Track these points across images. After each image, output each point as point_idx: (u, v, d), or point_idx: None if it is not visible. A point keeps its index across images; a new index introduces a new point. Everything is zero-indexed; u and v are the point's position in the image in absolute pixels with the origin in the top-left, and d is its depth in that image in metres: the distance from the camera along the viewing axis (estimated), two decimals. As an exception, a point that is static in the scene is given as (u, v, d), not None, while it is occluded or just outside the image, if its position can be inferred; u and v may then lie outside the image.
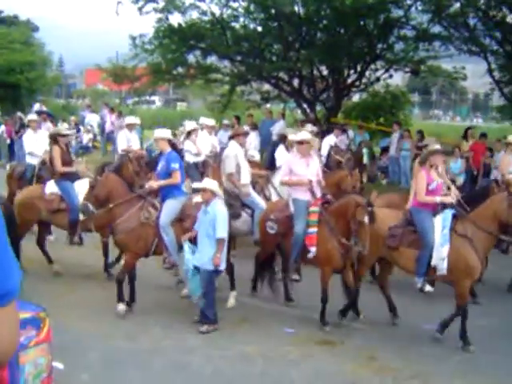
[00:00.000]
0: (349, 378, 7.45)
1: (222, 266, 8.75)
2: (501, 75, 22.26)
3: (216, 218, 8.55)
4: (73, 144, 25.79)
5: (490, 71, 20.83)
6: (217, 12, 21.86)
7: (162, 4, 21.28)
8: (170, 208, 9.31)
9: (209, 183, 8.89)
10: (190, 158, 14.08)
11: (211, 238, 8.57)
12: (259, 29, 23.23)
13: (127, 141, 14.96)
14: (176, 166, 9.48)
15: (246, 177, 11.00)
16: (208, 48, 22.58)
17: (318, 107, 24.35)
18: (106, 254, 11.15)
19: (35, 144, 13.69)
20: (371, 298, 9.43)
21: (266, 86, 26.00)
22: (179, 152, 10.58)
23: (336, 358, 7.96)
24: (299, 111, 25.76)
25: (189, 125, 14.73)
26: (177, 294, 9.95)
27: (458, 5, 19.42)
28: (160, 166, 9.75)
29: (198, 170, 13.91)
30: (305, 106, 23.78)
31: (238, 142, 11.01)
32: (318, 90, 23.94)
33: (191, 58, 23.64)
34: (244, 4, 21.62)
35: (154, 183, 9.63)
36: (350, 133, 22.58)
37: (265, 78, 23.55)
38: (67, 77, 61.32)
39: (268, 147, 20.06)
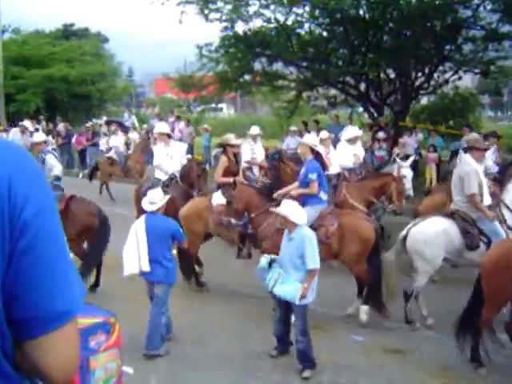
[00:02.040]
0: (419, 388, 7.32)
1: (311, 298, 7.63)
2: None
3: (304, 246, 7.44)
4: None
5: None
6: (281, 19, 21.89)
7: (226, 13, 21.41)
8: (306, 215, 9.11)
9: (285, 208, 7.71)
10: None
11: (299, 270, 7.50)
12: (324, 34, 23.16)
13: (251, 152, 14.63)
14: (313, 176, 9.28)
15: (487, 198, 9.23)
16: (274, 55, 22.64)
17: (386, 111, 24.09)
18: None
19: (165, 158, 12.68)
20: (442, 303, 9.21)
21: (333, 91, 25.88)
22: (321, 160, 9.93)
23: (406, 367, 7.82)
24: (366, 115, 25.56)
25: (322, 133, 13.58)
26: (245, 303, 9.99)
27: (528, 3, 18.90)
28: (301, 173, 9.66)
29: (330, 184, 12.20)
30: (372, 110, 23.57)
31: (473, 157, 9.20)
32: (385, 94, 23.68)
33: (257, 65, 23.74)
34: (308, 10, 21.56)
35: (293, 192, 9.51)
36: (420, 135, 22.32)
37: (331, 83, 23.46)
38: (137, 86, 62.50)
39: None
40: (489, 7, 19.84)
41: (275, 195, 9.82)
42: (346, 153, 13.13)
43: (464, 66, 22.14)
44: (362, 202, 12.05)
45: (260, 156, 14.71)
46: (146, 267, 8.06)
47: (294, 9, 21.37)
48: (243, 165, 14.79)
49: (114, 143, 23.00)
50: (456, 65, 22.17)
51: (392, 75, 23.46)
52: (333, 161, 12.74)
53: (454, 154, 20.85)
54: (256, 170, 14.53)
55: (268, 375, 7.54)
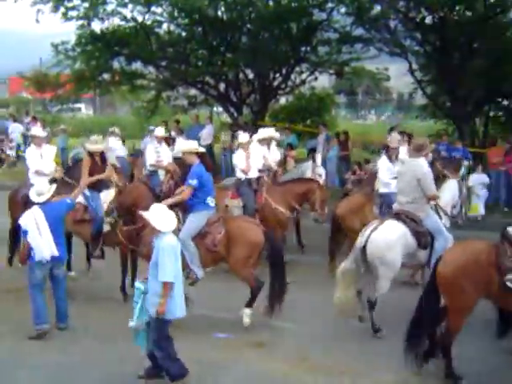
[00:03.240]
0: (280, 379, 7.50)
1: (181, 313, 7.28)
2: (422, 75, 22.87)
3: (159, 256, 6.89)
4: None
5: (411, 71, 21.32)
6: (140, 18, 21.71)
7: (82, 11, 20.90)
8: (192, 222, 8.88)
9: (152, 213, 7.17)
10: (240, 175, 12.44)
11: (157, 280, 6.91)
12: (183, 34, 23.22)
13: (156, 154, 14.12)
14: (193, 182, 8.95)
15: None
16: (132, 54, 22.39)
17: (246, 110, 24.46)
18: (124, 270, 10.28)
19: (40, 161, 12.07)
20: (301, 296, 9.45)
21: (193, 91, 26.01)
22: (207, 164, 9.54)
23: (269, 360, 7.98)
24: (226, 115, 25.85)
25: (242, 137, 12.89)
26: (107, 306, 9.85)
27: (378, 8, 19.84)
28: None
29: (250, 188, 12.24)
30: (232, 109, 23.87)
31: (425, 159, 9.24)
32: (244, 94, 24.07)
33: (116, 64, 23.40)
34: (168, 9, 21.52)
35: (169, 200, 9.17)
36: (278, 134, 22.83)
37: (190, 83, 23.57)
38: (-10, 86, 59.55)
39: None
40: (342, 10, 20.65)
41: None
42: (256, 154, 12.59)
43: (319, 67, 23.00)
44: (285, 206, 11.96)
45: (166, 159, 14.25)
46: (56, 252, 8.55)
47: (153, 8, 21.26)
48: (148, 168, 14.31)
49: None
50: (312, 66, 23.00)
51: (251, 75, 23.88)
52: (252, 165, 12.37)
53: (312, 151, 21.58)
54: (162, 173, 14.15)
55: (134, 377, 7.44)
